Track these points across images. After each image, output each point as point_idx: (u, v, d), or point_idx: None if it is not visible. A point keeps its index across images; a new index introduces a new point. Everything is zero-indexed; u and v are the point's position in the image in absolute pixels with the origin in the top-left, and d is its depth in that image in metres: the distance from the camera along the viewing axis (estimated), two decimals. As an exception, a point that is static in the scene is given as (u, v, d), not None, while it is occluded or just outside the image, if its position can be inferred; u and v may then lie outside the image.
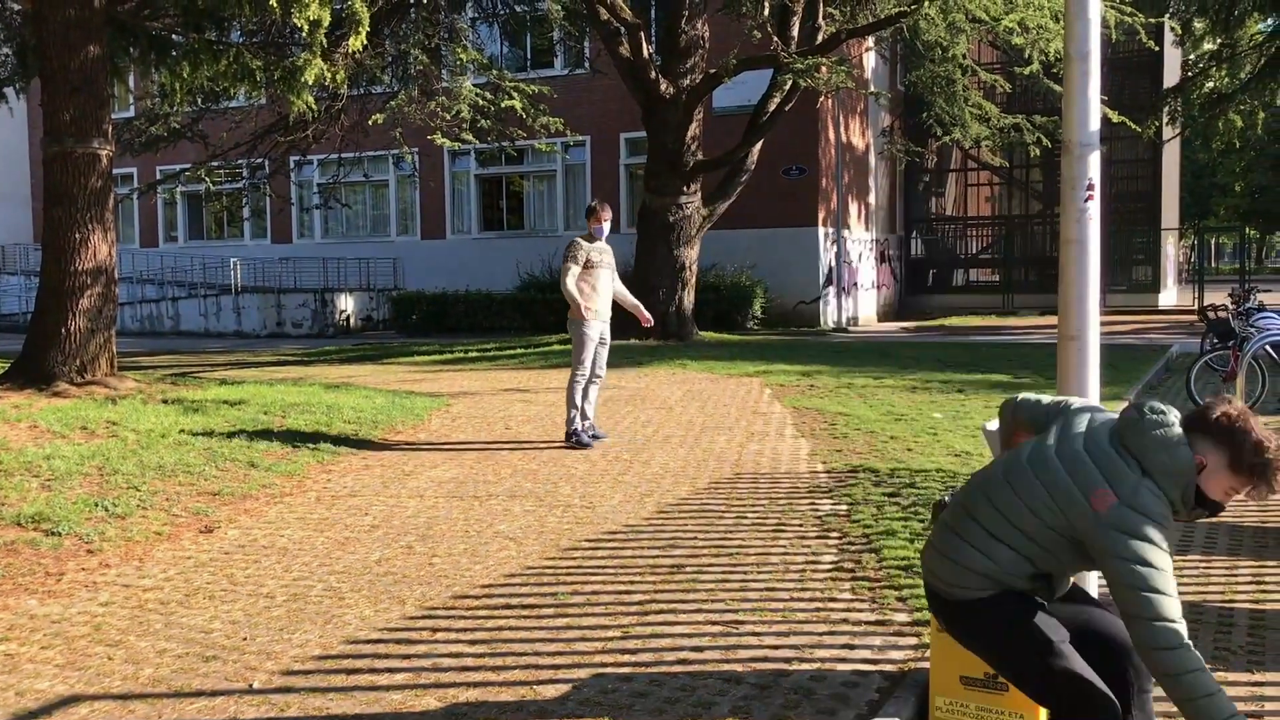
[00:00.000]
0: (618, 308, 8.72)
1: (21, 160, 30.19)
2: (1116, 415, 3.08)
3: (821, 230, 22.63)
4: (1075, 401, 3.24)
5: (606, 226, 8.45)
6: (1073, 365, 3.37)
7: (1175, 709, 2.78)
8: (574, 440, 8.31)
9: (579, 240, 8.39)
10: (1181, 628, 2.76)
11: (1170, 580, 2.80)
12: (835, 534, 5.85)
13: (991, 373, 12.64)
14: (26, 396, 9.39)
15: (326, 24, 9.81)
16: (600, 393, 9.00)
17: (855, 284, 24.48)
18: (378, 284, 26.21)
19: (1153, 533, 2.82)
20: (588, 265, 8.31)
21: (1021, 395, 3.37)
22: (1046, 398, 3.31)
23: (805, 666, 4.04)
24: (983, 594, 3.07)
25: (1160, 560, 2.80)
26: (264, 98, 16.13)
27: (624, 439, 8.60)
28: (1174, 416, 2.96)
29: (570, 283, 8.24)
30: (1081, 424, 3.07)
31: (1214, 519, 3.46)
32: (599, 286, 8.37)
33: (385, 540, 5.94)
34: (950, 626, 3.22)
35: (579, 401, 8.39)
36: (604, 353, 8.56)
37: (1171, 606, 2.77)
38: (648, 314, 9.04)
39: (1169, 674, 2.74)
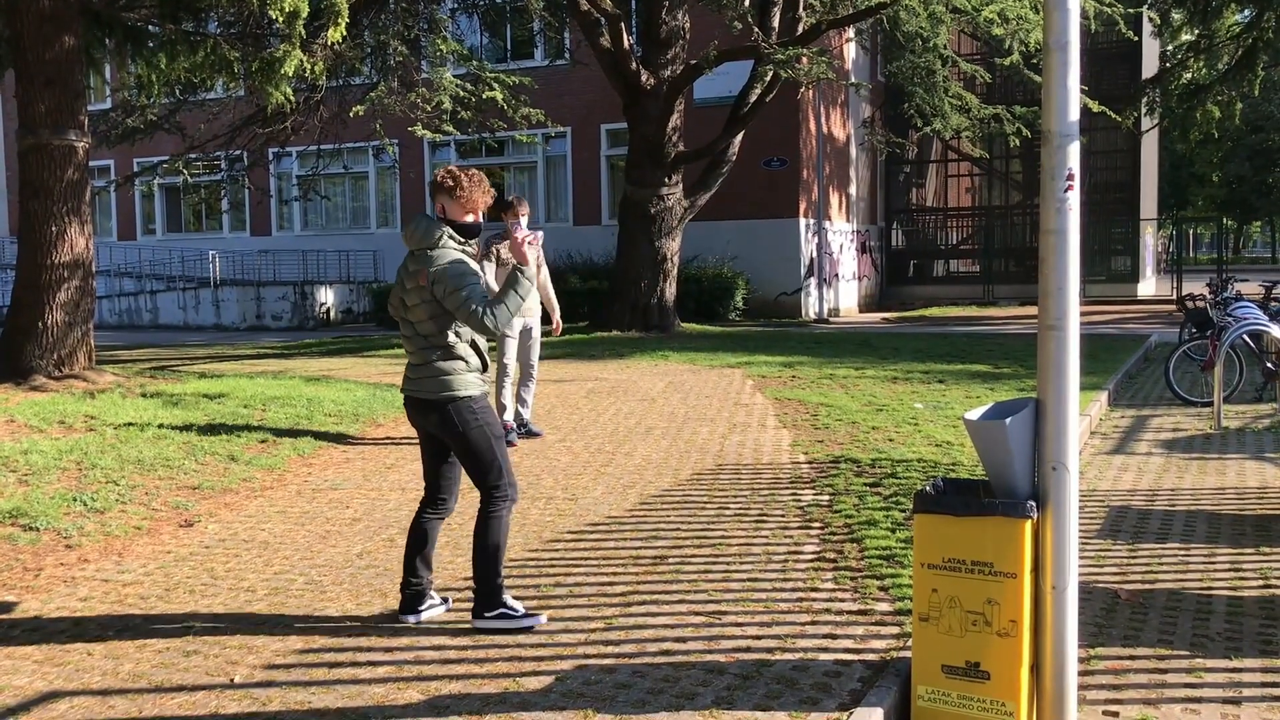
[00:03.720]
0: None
1: (-4, 152, 29.90)
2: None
3: (803, 221, 22.66)
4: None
5: (524, 221, 8.28)
6: (1053, 354, 3.37)
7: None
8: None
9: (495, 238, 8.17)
10: None
11: None
12: (817, 524, 5.86)
13: (972, 363, 12.69)
14: (3, 391, 9.31)
15: (304, 15, 9.74)
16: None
17: (836, 275, 24.52)
18: (358, 276, 26.08)
19: None
20: (501, 263, 8.10)
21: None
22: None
23: (788, 656, 4.05)
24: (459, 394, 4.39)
25: None
26: (242, 89, 16.03)
27: (595, 434, 8.60)
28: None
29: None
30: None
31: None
32: None
33: (367, 533, 5.93)
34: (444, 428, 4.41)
35: (506, 400, 8.29)
36: (535, 347, 8.44)
37: None
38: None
39: None
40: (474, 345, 4.45)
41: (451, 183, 4.41)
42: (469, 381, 4.39)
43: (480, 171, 4.57)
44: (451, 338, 4.38)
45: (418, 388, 4.41)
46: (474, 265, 4.42)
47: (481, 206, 4.48)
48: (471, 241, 4.49)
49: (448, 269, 4.29)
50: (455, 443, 4.43)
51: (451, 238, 4.40)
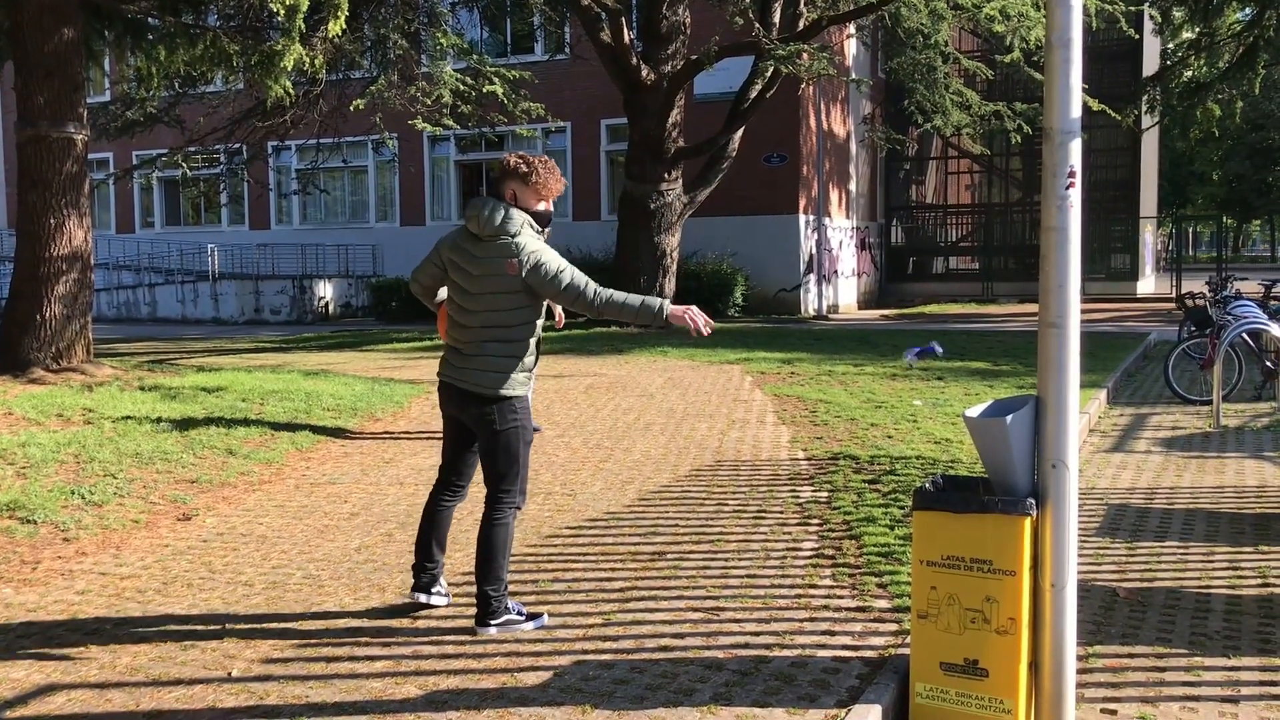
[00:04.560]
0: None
1: (-5, 144, 29.87)
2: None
3: (802, 218, 22.64)
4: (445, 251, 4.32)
5: None
6: (1053, 352, 3.37)
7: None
8: None
9: None
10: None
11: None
12: (816, 521, 5.86)
13: (971, 360, 12.69)
14: (1, 384, 9.30)
15: (304, 9, 9.72)
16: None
17: (836, 272, 24.51)
18: (357, 271, 26.07)
19: None
20: None
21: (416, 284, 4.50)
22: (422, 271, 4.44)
23: (786, 653, 4.05)
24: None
25: None
26: (241, 83, 16.02)
27: (595, 431, 8.59)
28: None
29: None
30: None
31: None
32: None
33: (365, 528, 5.92)
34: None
35: None
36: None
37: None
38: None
39: None
40: (538, 342, 4.36)
41: (526, 168, 4.25)
42: (518, 380, 4.28)
43: (552, 159, 4.44)
44: (523, 330, 4.26)
45: (463, 378, 4.25)
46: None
47: (555, 194, 4.33)
48: (545, 230, 4.35)
49: (542, 254, 4.15)
50: (487, 439, 4.29)
51: (529, 225, 4.24)
